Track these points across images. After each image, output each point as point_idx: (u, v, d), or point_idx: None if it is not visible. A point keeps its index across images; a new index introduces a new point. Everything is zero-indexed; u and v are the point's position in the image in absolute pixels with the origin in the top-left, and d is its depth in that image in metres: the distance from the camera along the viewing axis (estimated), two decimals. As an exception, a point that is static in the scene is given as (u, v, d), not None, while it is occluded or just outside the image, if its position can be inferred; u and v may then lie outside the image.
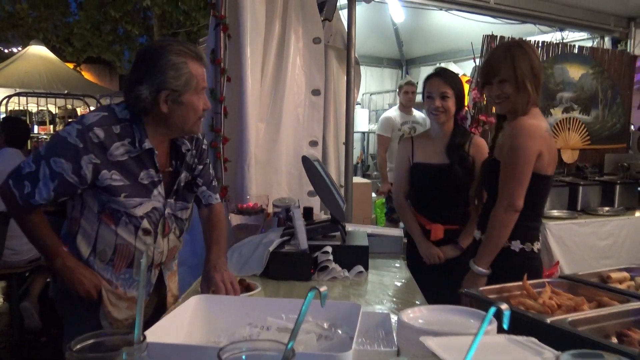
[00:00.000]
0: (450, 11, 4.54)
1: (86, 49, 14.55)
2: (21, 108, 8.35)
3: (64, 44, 14.77)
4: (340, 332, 1.15)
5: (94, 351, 0.78)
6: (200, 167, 1.91)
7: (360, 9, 3.62)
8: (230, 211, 2.73)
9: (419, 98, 5.86)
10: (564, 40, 4.98)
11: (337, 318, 1.18)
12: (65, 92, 8.85)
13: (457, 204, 2.61)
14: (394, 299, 1.86)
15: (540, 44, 4.42)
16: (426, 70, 7.13)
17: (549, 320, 1.20)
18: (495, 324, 1.07)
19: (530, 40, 3.39)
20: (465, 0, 4.04)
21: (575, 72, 4.68)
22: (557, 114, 4.58)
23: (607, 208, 4.17)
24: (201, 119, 1.74)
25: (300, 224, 2.11)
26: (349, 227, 2.52)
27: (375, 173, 6.65)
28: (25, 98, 8.03)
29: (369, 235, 2.40)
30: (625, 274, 1.66)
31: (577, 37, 5.31)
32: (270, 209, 2.77)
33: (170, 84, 1.61)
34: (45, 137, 8.19)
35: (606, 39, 5.22)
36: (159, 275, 1.86)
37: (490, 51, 2.23)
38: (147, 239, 1.73)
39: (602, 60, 4.83)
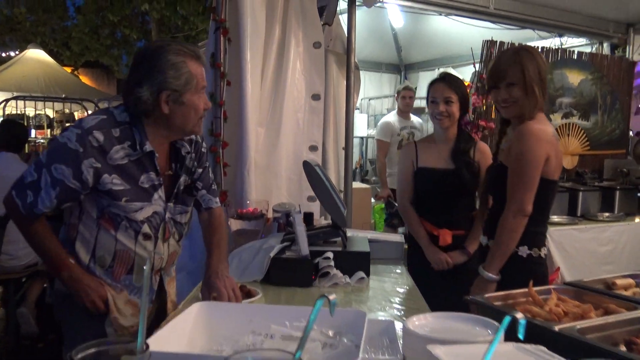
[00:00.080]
0: (449, 16, 4.53)
1: (84, 53, 14.54)
2: (18, 112, 8.32)
3: (62, 47, 14.77)
4: (345, 340, 1.13)
5: (96, 361, 0.76)
6: (200, 170, 1.89)
7: (359, 13, 3.61)
8: (229, 216, 2.71)
9: (416, 103, 5.88)
10: (563, 46, 4.99)
11: (341, 326, 1.15)
12: (63, 96, 8.83)
13: (462, 208, 2.61)
14: (397, 306, 1.84)
15: (539, 50, 4.41)
16: (425, 76, 7.14)
17: (557, 328, 1.18)
18: (501, 332, 1.05)
19: (530, 46, 3.38)
20: (464, 6, 4.03)
21: (574, 78, 4.68)
22: (557, 119, 4.58)
23: (607, 214, 4.17)
24: (202, 119, 1.72)
25: (301, 229, 2.09)
26: (349, 233, 2.50)
27: (374, 178, 6.63)
28: (22, 102, 8.01)
29: (370, 241, 2.37)
30: (631, 281, 1.65)
31: (575, 43, 5.32)
32: (270, 214, 2.76)
33: (170, 84, 1.59)
34: (42, 141, 8.17)
35: (605, 44, 5.23)
36: (159, 281, 1.84)
37: (497, 55, 2.23)
38: (147, 244, 1.71)
39: (602, 66, 4.84)
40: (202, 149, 1.90)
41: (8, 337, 3.93)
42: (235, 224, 2.71)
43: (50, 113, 9.04)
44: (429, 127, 6.59)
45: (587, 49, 5.16)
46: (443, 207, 2.61)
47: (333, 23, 3.76)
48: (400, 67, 7.42)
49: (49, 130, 9.00)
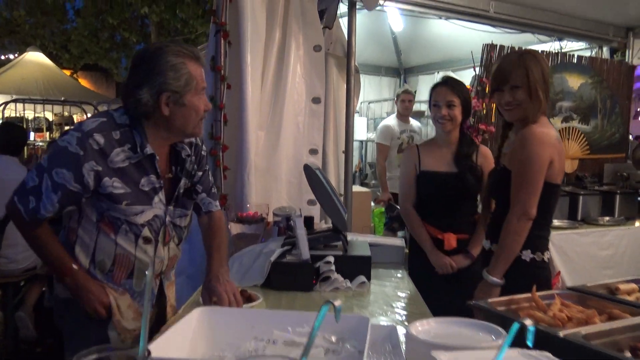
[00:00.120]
0: (449, 20, 4.53)
1: (83, 55, 14.54)
2: (18, 115, 8.31)
3: (61, 50, 14.76)
4: (348, 346, 1.12)
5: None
6: (200, 173, 1.88)
7: (359, 17, 3.61)
8: (229, 220, 2.69)
9: (416, 107, 5.88)
10: (563, 50, 4.99)
11: (344, 332, 1.14)
12: (62, 99, 8.82)
13: (465, 212, 2.61)
14: (399, 311, 1.83)
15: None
16: (424, 79, 7.13)
17: (562, 334, 1.17)
18: (505, 337, 1.04)
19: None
20: (465, 10, 4.03)
21: (574, 82, 4.68)
22: (557, 123, 4.58)
23: (607, 218, 4.16)
24: (202, 120, 1.71)
25: (302, 233, 2.08)
26: (349, 237, 2.49)
27: (373, 182, 6.62)
28: (22, 105, 7.99)
29: (370, 245, 2.36)
30: (634, 286, 1.64)
31: (575, 47, 5.32)
32: (270, 218, 2.74)
33: (170, 85, 1.58)
34: (41, 144, 8.15)
35: (604, 48, 5.23)
36: (159, 286, 1.83)
37: (501, 58, 2.23)
38: (147, 248, 1.70)
39: (601, 70, 4.84)
40: (202, 152, 1.90)
41: (6, 341, 3.91)
42: (235, 228, 2.70)
43: (49, 116, 9.02)
44: (428, 131, 6.61)
45: (587, 53, 5.16)
46: (446, 211, 2.61)
47: (333, 26, 3.75)
48: (400, 70, 7.42)
49: (48, 133, 8.99)
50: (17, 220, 1.62)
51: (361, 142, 7.20)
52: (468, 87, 4.34)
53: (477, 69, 4.15)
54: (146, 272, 0.78)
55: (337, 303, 0.73)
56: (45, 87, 9.59)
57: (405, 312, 1.81)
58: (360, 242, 2.41)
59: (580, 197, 4.14)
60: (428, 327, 1.20)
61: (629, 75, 5.05)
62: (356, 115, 6.58)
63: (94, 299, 1.63)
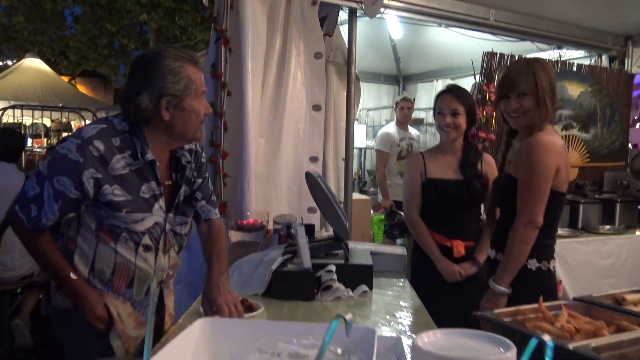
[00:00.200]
0: (449, 28, 4.53)
1: (82, 62, 14.52)
2: (15, 121, 8.28)
3: (60, 57, 14.74)
4: (354, 358, 1.10)
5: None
6: (199, 180, 1.86)
7: (358, 24, 3.61)
8: (229, 227, 2.67)
9: (415, 114, 5.87)
10: (562, 58, 5.00)
11: (350, 343, 1.12)
12: (60, 105, 8.80)
13: (471, 220, 2.60)
14: (402, 321, 1.81)
15: (540, 62, 4.41)
16: (423, 87, 7.14)
17: (571, 346, 1.15)
18: (514, 350, 1.02)
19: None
20: (465, 18, 4.02)
21: (574, 90, 4.68)
22: (557, 131, 4.57)
23: (607, 226, 4.15)
24: (202, 124, 1.69)
25: (303, 241, 2.06)
26: (350, 245, 2.47)
27: (372, 189, 6.61)
28: (20, 110, 7.97)
29: (371, 254, 2.34)
30: (640, 296, 1.62)
31: (574, 55, 5.33)
32: (270, 226, 2.72)
33: (170, 89, 1.56)
34: (39, 150, 8.13)
35: (603, 57, 5.24)
36: (159, 294, 1.80)
37: (509, 65, 2.23)
38: (148, 256, 1.67)
39: (601, 78, 4.84)
40: (202, 159, 1.88)
41: (2, 349, 3.86)
42: (235, 236, 2.68)
43: (47, 122, 9.00)
44: (427, 139, 6.61)
45: (586, 61, 5.17)
46: (452, 218, 2.60)
47: (334, 34, 3.75)
48: (399, 78, 7.42)
49: (45, 139, 8.97)
50: (18, 229, 1.60)
51: (360, 149, 7.19)
52: (468, 94, 4.34)
53: (478, 77, 4.15)
54: (151, 284, 0.76)
55: (348, 317, 0.71)
56: (44, 93, 9.56)
57: (408, 322, 1.79)
58: (361, 250, 2.39)
59: (581, 206, 4.13)
60: (434, 338, 1.18)
61: (628, 84, 5.05)
62: (355, 123, 6.59)
63: (91, 313, 1.60)
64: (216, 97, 2.97)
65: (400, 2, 3.69)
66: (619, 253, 3.92)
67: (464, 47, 4.94)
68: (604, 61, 5.23)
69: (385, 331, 1.69)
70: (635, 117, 6.46)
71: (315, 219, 3.19)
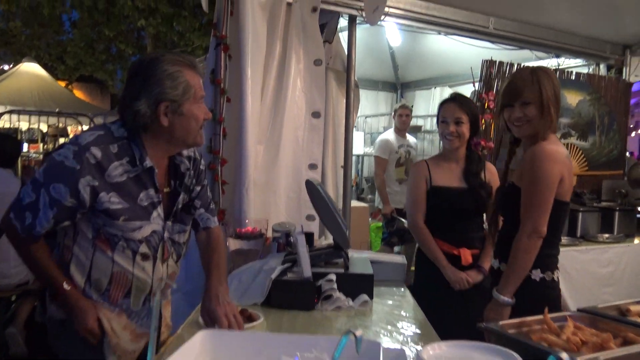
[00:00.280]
0: (448, 35, 4.53)
1: (79, 67, 14.48)
2: (12, 126, 8.25)
3: (57, 62, 14.70)
4: (358, 372, 1.07)
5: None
6: (198, 188, 1.83)
7: (357, 31, 3.60)
8: (228, 235, 2.64)
9: (413, 122, 5.86)
10: (560, 67, 5.00)
11: (354, 357, 1.10)
12: (57, 110, 8.77)
13: (475, 228, 2.60)
14: (404, 331, 1.78)
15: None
16: (421, 94, 7.13)
17: (579, 360, 1.13)
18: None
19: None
20: (465, 26, 4.03)
21: (572, 99, 4.68)
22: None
23: (606, 235, 4.14)
24: (202, 129, 1.67)
25: (303, 250, 2.03)
26: (349, 253, 2.45)
27: (370, 196, 6.59)
28: (16, 115, 7.93)
29: (371, 262, 2.32)
30: (645, 307, 1.60)
31: (572, 64, 5.34)
32: (269, 234, 2.70)
33: (168, 94, 1.54)
34: (35, 155, 8.09)
35: (601, 65, 5.25)
36: (157, 304, 1.77)
37: (513, 73, 2.21)
38: (145, 265, 1.64)
39: (599, 87, 4.85)
40: (201, 167, 1.85)
41: (-5, 357, 3.83)
42: (233, 244, 2.65)
43: (43, 127, 8.96)
44: (425, 146, 6.60)
45: (584, 70, 5.18)
46: (456, 227, 2.59)
47: (333, 41, 3.74)
48: (397, 85, 7.42)
49: (42, 145, 8.93)
50: (12, 237, 1.58)
51: (358, 156, 7.17)
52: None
53: (477, 85, 4.14)
54: (155, 298, 0.74)
55: (359, 333, 0.69)
56: (40, 98, 9.53)
57: (410, 333, 1.76)
58: (361, 259, 2.36)
59: (580, 214, 4.12)
60: (440, 351, 1.17)
61: (626, 92, 5.07)
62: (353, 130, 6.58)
63: (82, 325, 1.57)
64: (215, 104, 2.95)
65: (400, 9, 3.68)
66: (618, 261, 3.90)
67: (462, 54, 4.94)
68: (602, 70, 5.24)
69: (387, 342, 1.66)
70: (632, 126, 6.46)
71: (314, 226, 3.17)
